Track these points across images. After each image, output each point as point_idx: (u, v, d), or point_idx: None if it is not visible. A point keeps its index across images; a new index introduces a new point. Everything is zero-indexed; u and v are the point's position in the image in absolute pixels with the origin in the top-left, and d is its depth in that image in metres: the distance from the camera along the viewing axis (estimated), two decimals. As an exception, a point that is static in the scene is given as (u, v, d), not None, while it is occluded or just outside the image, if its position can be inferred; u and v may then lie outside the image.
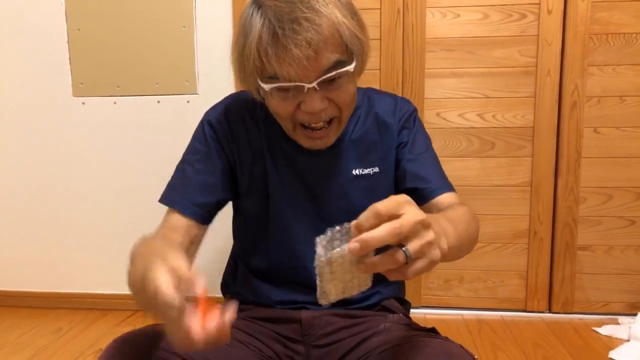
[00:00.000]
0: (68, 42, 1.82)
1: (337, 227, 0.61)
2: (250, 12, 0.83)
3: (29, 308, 1.95)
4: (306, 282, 0.99)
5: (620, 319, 1.71)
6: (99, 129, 1.85)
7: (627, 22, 1.63)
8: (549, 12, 1.65)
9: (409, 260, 0.58)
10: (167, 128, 1.82)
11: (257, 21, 0.80)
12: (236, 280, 1.09)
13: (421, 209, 1.05)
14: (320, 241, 0.60)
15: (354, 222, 0.59)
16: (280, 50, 0.78)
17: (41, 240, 1.94)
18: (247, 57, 0.83)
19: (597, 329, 1.65)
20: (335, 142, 0.96)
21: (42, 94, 1.86)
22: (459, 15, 1.69)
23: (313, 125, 0.88)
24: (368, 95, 1.05)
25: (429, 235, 0.60)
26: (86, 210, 1.90)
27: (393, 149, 1.02)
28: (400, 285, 1.15)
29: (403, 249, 0.58)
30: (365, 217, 0.59)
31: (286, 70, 0.79)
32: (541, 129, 1.70)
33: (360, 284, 0.65)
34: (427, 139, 1.05)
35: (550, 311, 1.79)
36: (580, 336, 1.62)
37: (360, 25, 0.87)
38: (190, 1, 1.75)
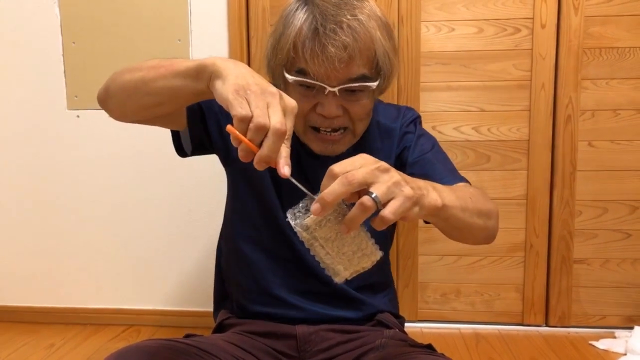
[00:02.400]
0: (63, 55, 1.81)
1: (306, 199, 0.63)
2: (296, 7, 0.87)
3: (22, 323, 1.92)
4: (312, 289, 0.99)
5: (617, 332, 1.70)
6: (94, 141, 1.84)
7: (621, 37, 1.65)
8: (543, 26, 1.66)
9: (379, 203, 0.59)
10: (164, 142, 1.80)
11: (301, 15, 0.85)
12: (227, 300, 1.09)
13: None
14: (290, 212, 0.63)
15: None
16: (317, 46, 0.82)
17: (34, 254, 1.92)
18: (282, 46, 0.87)
19: (594, 342, 1.64)
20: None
21: (36, 107, 1.85)
22: (453, 29, 1.70)
23: (323, 129, 0.90)
24: (374, 104, 1.06)
25: (392, 177, 0.61)
26: (80, 223, 1.88)
27: (394, 155, 1.03)
28: (393, 301, 1.14)
29: (373, 196, 0.59)
30: (324, 182, 0.60)
31: (316, 67, 0.83)
32: (536, 143, 1.71)
33: (367, 253, 0.66)
34: (431, 140, 1.06)
35: (547, 325, 1.78)
36: (578, 350, 1.61)
37: (394, 48, 0.91)
38: (186, 14, 1.75)
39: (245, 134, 0.60)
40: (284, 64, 0.88)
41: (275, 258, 1.01)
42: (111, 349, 1.68)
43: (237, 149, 0.62)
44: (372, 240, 0.66)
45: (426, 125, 1.72)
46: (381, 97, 1.70)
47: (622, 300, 1.75)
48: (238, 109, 0.61)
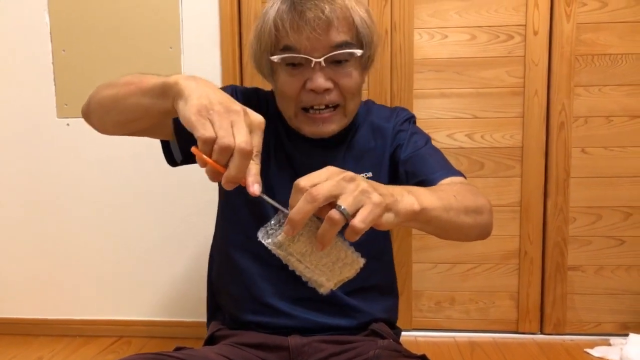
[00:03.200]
0: (53, 63, 1.79)
1: (278, 215, 0.62)
2: (272, 2, 0.91)
3: (9, 335, 1.89)
4: (304, 296, 0.97)
5: (612, 339, 1.69)
6: (84, 150, 1.82)
7: (613, 43, 1.65)
8: (535, 33, 1.66)
9: (347, 215, 0.57)
10: (155, 150, 1.79)
11: (279, 1, 0.89)
12: (223, 303, 1.07)
13: None
14: (262, 230, 0.62)
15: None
16: (295, 15, 0.85)
17: (22, 265, 1.89)
18: (264, 31, 0.90)
19: (589, 350, 1.63)
20: (332, 144, 0.97)
21: (26, 115, 1.83)
22: (446, 36, 1.70)
23: (315, 107, 0.91)
24: (368, 106, 1.07)
25: (358, 185, 0.60)
26: (68, 233, 1.86)
27: (387, 154, 1.03)
28: (391, 308, 1.13)
29: (341, 209, 0.57)
30: (291, 197, 0.59)
31: (298, 36, 0.86)
32: (530, 149, 1.70)
33: (348, 262, 0.65)
34: (424, 137, 1.05)
35: (542, 332, 1.77)
36: (573, 358, 1.60)
37: (371, 18, 0.93)
38: (177, 21, 1.74)
39: (210, 156, 0.59)
40: (268, 50, 0.90)
41: (266, 265, 0.99)
42: (101, 361, 1.65)
43: None
44: (352, 249, 0.64)
45: (419, 133, 1.72)
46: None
47: (617, 307, 1.74)
48: (201, 130, 0.59)
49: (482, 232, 0.86)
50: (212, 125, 0.60)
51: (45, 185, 1.85)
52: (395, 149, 1.02)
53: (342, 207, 0.57)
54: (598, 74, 1.67)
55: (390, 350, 0.95)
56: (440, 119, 1.73)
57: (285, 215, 0.60)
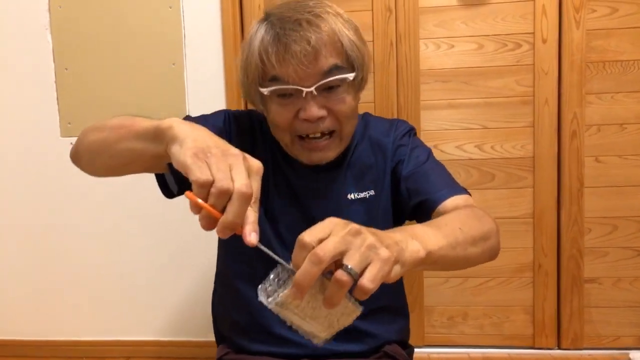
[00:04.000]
0: (55, 81, 1.78)
1: (277, 269, 0.58)
2: (256, 28, 0.87)
3: (12, 357, 1.86)
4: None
5: (632, 353, 1.65)
6: (88, 169, 1.80)
7: (625, 50, 1.61)
8: (544, 41, 1.63)
9: (355, 275, 0.53)
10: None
11: (262, 30, 0.85)
12: (228, 328, 1.04)
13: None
14: (261, 288, 0.57)
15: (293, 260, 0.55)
16: (280, 47, 0.82)
17: (27, 286, 1.87)
18: (250, 62, 0.86)
19: (609, 365, 1.58)
20: (332, 165, 0.94)
21: (29, 135, 1.82)
22: (453, 46, 1.67)
23: (311, 135, 0.87)
24: (365, 119, 1.04)
25: (364, 240, 0.55)
26: (74, 252, 1.84)
27: (388, 170, 0.99)
28: (403, 329, 1.09)
29: (348, 269, 0.53)
30: (294, 253, 0.55)
31: (285, 69, 0.82)
32: (542, 159, 1.66)
33: (346, 313, 0.61)
34: (426, 151, 1.01)
35: (559, 347, 1.72)
36: (593, 374, 1.55)
37: (361, 39, 0.89)
38: (180, 38, 1.73)
39: (206, 200, 0.56)
40: (256, 81, 0.86)
41: None
42: (107, 384, 1.62)
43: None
44: (352, 299, 0.60)
45: (427, 145, 1.69)
46: (382, 116, 1.68)
47: (636, 320, 1.69)
48: (197, 173, 0.56)
49: (491, 256, 0.83)
50: (209, 168, 0.57)
51: (49, 205, 1.83)
52: (396, 165, 0.99)
53: (350, 267, 0.53)
54: (610, 81, 1.63)
55: (403, 374, 0.92)
56: (448, 130, 1.69)
57: (286, 270, 0.57)
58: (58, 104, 1.79)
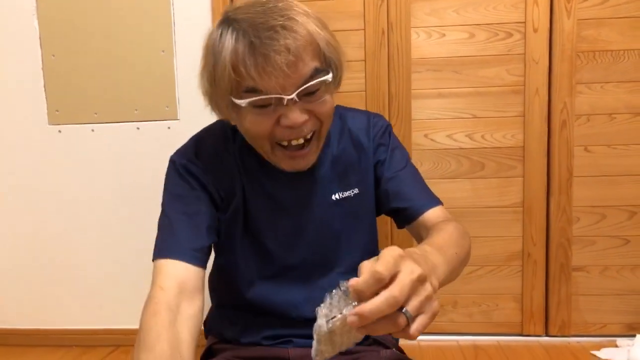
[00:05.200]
0: (43, 68, 1.76)
1: (335, 291, 0.59)
2: (219, 33, 0.80)
3: (7, 346, 1.86)
4: (294, 316, 0.94)
5: (619, 340, 1.67)
6: (77, 157, 1.79)
7: (614, 40, 1.62)
8: (535, 30, 1.63)
9: (410, 320, 0.55)
10: (148, 155, 1.76)
11: (229, 37, 0.78)
12: (218, 323, 1.04)
13: (408, 228, 1.00)
14: (320, 311, 0.58)
15: (352, 283, 0.55)
16: (259, 58, 0.76)
17: (18, 275, 1.86)
18: (220, 75, 0.79)
19: (595, 352, 1.60)
20: (313, 168, 0.92)
21: (16, 123, 1.80)
22: (444, 35, 1.67)
23: (294, 142, 0.84)
24: (340, 113, 1.01)
25: (427, 290, 0.57)
26: (63, 242, 1.83)
27: (371, 169, 0.99)
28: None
29: (403, 311, 0.55)
30: (365, 282, 0.54)
31: (266, 80, 0.76)
32: (531, 149, 1.67)
33: (355, 338, 0.62)
34: (404, 154, 1.02)
35: (547, 335, 1.74)
36: (579, 361, 1.57)
37: (334, 37, 0.85)
38: (169, 25, 1.71)
39: None
40: (229, 92, 0.80)
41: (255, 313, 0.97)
42: (98, 373, 1.62)
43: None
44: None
45: (418, 134, 1.70)
46: (372, 105, 1.68)
47: (623, 308, 1.71)
48: None
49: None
50: None
51: (39, 193, 1.82)
52: (376, 163, 0.99)
53: (409, 314, 0.55)
54: (600, 70, 1.64)
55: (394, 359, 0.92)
56: (439, 119, 1.70)
57: (343, 296, 0.58)
58: (45, 91, 1.77)
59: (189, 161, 0.92)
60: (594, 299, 1.72)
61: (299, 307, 0.94)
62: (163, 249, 0.86)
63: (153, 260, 0.86)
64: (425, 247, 0.72)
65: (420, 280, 0.57)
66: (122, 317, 1.84)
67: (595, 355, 1.59)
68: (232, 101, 0.81)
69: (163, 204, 0.92)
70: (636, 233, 1.68)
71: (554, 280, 1.71)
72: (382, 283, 0.54)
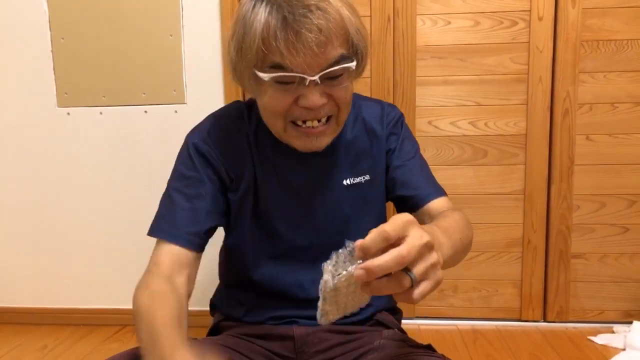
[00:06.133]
0: (52, 51, 1.78)
1: (341, 250, 0.60)
2: (253, 4, 0.81)
3: (14, 324, 1.89)
4: (300, 297, 0.97)
5: (616, 327, 1.70)
6: (85, 140, 1.81)
7: (619, 29, 1.63)
8: (540, 18, 1.64)
9: (414, 283, 0.57)
10: (155, 139, 1.79)
11: (262, 10, 0.78)
12: (224, 304, 1.06)
13: (413, 216, 1.03)
14: (326, 267, 0.59)
15: (358, 243, 0.57)
16: (291, 33, 0.76)
17: (26, 254, 1.89)
18: (248, 46, 0.80)
19: (592, 338, 1.63)
20: (326, 150, 0.93)
21: (26, 105, 1.82)
22: (449, 23, 1.68)
23: (308, 123, 0.85)
24: (354, 101, 1.03)
25: (433, 257, 0.59)
26: (71, 223, 1.86)
27: (383, 156, 1.00)
28: (391, 295, 1.12)
29: (409, 273, 0.57)
30: (372, 240, 0.57)
31: (294, 57, 0.77)
32: (534, 137, 1.69)
33: (360, 300, 0.64)
34: (414, 145, 1.04)
35: (545, 320, 1.77)
36: (576, 346, 1.60)
37: (363, 25, 0.86)
38: (177, 9, 1.72)
39: None
40: (254, 64, 0.81)
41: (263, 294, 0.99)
42: (105, 349, 1.66)
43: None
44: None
45: (422, 120, 1.71)
46: (377, 91, 1.70)
47: (620, 295, 1.74)
48: None
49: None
50: None
51: (47, 175, 1.85)
52: (387, 152, 1.01)
53: (415, 277, 0.57)
54: (603, 60, 1.65)
55: (395, 340, 0.95)
56: (443, 106, 1.71)
57: (349, 254, 0.59)
58: (55, 73, 1.79)
59: (200, 140, 0.94)
60: (592, 286, 1.75)
61: (306, 288, 0.96)
62: (158, 229, 0.91)
63: (148, 234, 0.92)
64: (433, 227, 0.74)
65: (428, 247, 0.59)
66: (129, 296, 1.85)
67: (592, 341, 1.62)
68: (256, 74, 0.81)
69: (169, 181, 0.95)
70: (635, 221, 1.70)
71: (553, 267, 1.74)
72: (388, 242, 0.56)
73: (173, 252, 0.88)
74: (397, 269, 0.56)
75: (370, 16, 1.68)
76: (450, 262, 0.75)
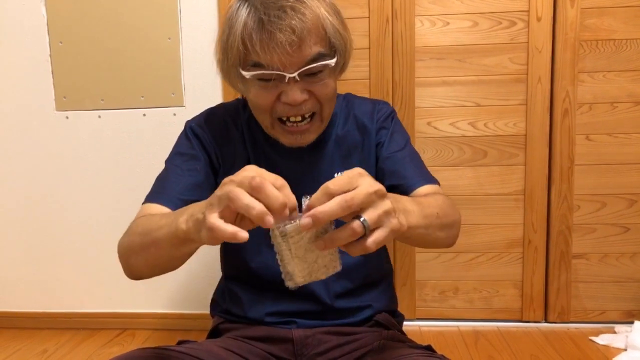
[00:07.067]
0: (50, 55, 1.78)
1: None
2: (237, 6, 0.86)
3: (14, 329, 1.89)
4: (296, 290, 0.97)
5: (617, 327, 1.69)
6: (84, 143, 1.81)
7: (617, 28, 1.63)
8: (539, 19, 1.64)
9: (367, 230, 0.58)
10: (154, 142, 1.79)
11: (244, 11, 0.83)
12: (225, 298, 1.06)
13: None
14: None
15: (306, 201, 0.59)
16: (264, 35, 0.80)
17: (25, 258, 1.89)
18: (231, 45, 0.85)
19: (594, 338, 1.62)
20: (318, 144, 0.97)
21: (24, 109, 1.82)
22: (448, 24, 1.68)
23: (292, 118, 0.89)
24: (347, 99, 1.07)
25: (386, 205, 0.60)
26: (71, 226, 1.85)
27: (373, 150, 1.02)
28: (392, 297, 1.12)
29: (361, 220, 0.58)
30: (315, 196, 0.59)
31: (269, 56, 0.81)
32: (533, 137, 1.69)
33: (327, 265, 0.64)
34: (405, 137, 1.05)
35: (546, 321, 1.77)
36: (578, 346, 1.59)
37: (343, 24, 0.89)
38: (176, 12, 1.72)
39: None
40: (237, 63, 0.86)
41: (259, 287, 1.00)
42: (105, 353, 1.65)
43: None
44: (339, 255, 0.64)
45: (421, 121, 1.71)
46: (376, 93, 1.70)
47: (622, 295, 1.73)
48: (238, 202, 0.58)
49: (450, 243, 0.90)
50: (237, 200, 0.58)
51: (46, 179, 1.84)
52: (376, 145, 1.03)
53: (367, 223, 0.57)
54: (602, 59, 1.65)
55: (394, 341, 0.95)
56: (442, 107, 1.71)
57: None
58: (53, 77, 1.79)
59: (197, 124, 1.01)
60: (593, 286, 1.74)
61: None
62: (151, 197, 0.95)
63: (143, 203, 0.95)
64: (399, 196, 0.76)
65: (379, 195, 0.59)
66: (129, 300, 1.86)
67: (593, 341, 1.61)
68: (240, 72, 0.86)
69: (165, 161, 1.01)
70: (636, 221, 1.70)
71: (554, 267, 1.73)
72: (331, 197, 0.58)
73: (162, 211, 0.91)
74: (342, 214, 0.57)
75: (369, 18, 1.68)
76: (422, 232, 0.75)
